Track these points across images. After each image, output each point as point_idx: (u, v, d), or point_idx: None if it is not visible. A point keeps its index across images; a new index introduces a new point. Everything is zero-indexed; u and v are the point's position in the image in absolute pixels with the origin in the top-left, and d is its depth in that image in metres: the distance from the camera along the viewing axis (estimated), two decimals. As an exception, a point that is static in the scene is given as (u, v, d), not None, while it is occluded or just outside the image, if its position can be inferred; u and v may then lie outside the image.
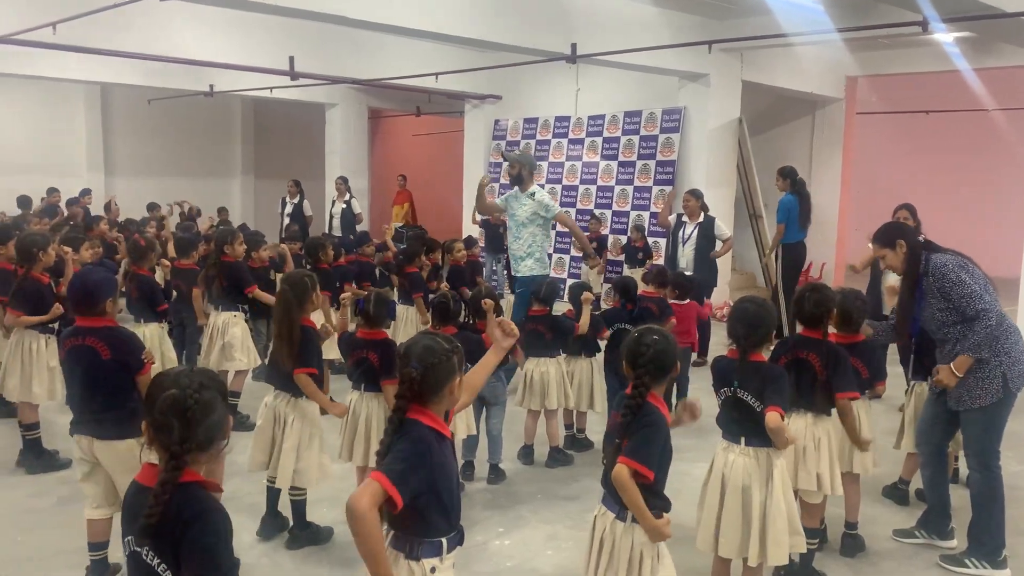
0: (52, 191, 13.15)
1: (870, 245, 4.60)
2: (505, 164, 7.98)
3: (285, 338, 4.22)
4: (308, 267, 7.16)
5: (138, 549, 2.13)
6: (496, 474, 5.32)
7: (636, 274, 8.80)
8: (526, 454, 5.74)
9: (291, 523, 4.47)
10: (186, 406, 2.11)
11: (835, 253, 13.36)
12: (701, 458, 5.45)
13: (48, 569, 4.14)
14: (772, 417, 3.32)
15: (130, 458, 3.68)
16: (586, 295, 5.59)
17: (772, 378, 3.44)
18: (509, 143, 13.98)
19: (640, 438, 2.91)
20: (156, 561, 2.11)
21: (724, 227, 8.97)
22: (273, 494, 4.50)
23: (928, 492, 4.59)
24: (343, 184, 13.18)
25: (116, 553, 4.10)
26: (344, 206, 12.98)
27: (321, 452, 4.38)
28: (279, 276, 7.19)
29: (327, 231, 12.81)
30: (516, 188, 7.40)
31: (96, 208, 13.65)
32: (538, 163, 7.89)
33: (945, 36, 10.46)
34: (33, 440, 5.48)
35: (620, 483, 2.87)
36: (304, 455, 4.29)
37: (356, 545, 2.31)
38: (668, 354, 2.94)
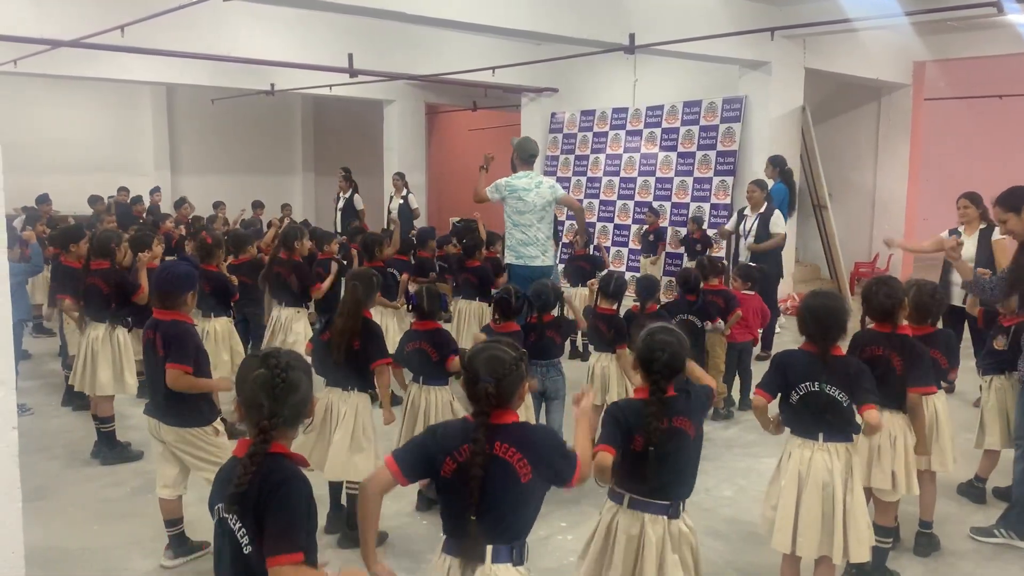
0: (122, 190, 13.53)
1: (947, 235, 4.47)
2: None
3: (349, 333, 4.24)
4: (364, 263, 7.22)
5: (226, 516, 2.27)
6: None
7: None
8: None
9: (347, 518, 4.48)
10: (274, 384, 2.27)
11: (903, 243, 12.99)
12: (766, 453, 5.38)
13: (123, 558, 4.25)
14: (872, 415, 3.27)
15: (194, 442, 4.00)
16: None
17: (860, 374, 3.36)
18: (567, 136, 13.94)
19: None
20: (238, 526, 2.24)
21: (780, 221, 8.61)
22: (335, 488, 4.54)
23: (1016, 487, 4.41)
24: (400, 180, 13.31)
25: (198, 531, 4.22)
26: (402, 201, 13.09)
27: (375, 444, 4.33)
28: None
29: (385, 226, 12.94)
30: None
31: (166, 206, 14.03)
32: (531, 152, 7.27)
33: (1019, 17, 10.06)
34: (108, 432, 5.64)
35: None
36: (358, 448, 4.25)
37: None
38: (681, 355, 2.92)
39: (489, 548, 2.42)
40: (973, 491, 4.97)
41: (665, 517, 2.94)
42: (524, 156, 7.20)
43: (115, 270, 5.76)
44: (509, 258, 7.08)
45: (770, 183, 9.46)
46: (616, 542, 2.96)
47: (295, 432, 2.39)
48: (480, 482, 2.37)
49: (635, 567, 2.93)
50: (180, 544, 4.17)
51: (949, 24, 10.94)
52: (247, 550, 2.22)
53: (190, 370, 3.92)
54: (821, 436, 3.37)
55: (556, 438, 2.64)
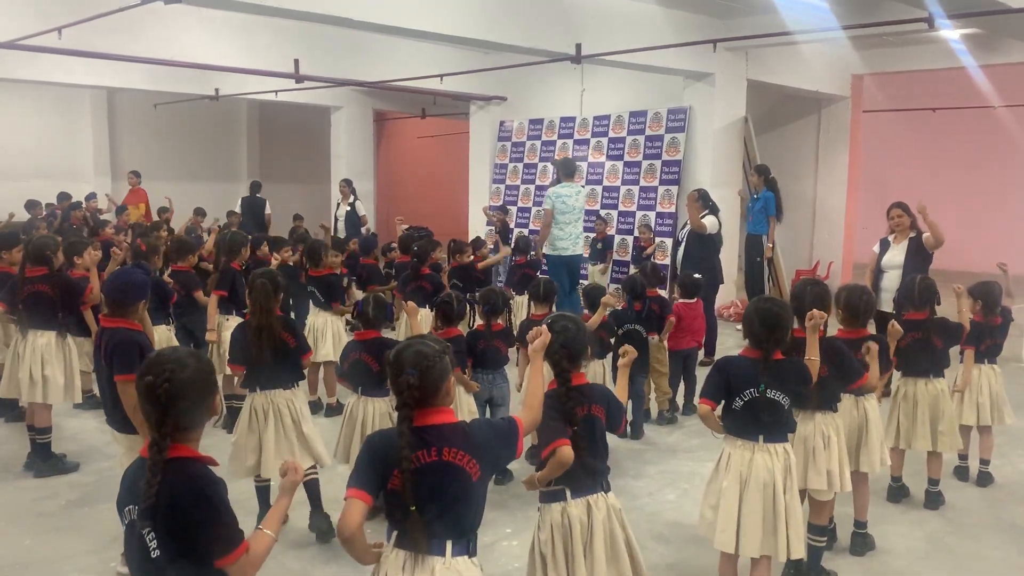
0: (64, 196, 13.17)
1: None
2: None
3: (270, 330, 4.32)
4: (308, 270, 7.15)
5: (135, 519, 2.24)
6: (503, 474, 5.30)
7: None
8: (533, 454, 5.71)
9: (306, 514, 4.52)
10: (157, 393, 2.20)
11: (842, 251, 13.32)
12: (709, 457, 5.44)
13: (57, 572, 4.14)
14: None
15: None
16: (606, 298, 5.68)
17: (798, 374, 3.50)
18: (515, 144, 14.01)
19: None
20: (148, 532, 2.20)
21: (713, 221, 8.63)
22: (263, 493, 4.53)
23: None
24: (347, 187, 13.22)
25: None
26: (349, 208, 13.01)
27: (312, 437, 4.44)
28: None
29: (332, 234, 12.85)
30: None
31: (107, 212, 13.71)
32: (573, 168, 9.49)
33: (951, 33, 10.42)
34: (43, 444, 5.47)
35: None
36: (293, 442, 4.36)
37: None
38: (578, 339, 3.08)
39: (449, 543, 2.45)
40: (894, 492, 5.10)
41: (603, 494, 3.12)
42: (568, 171, 9.24)
43: (56, 274, 5.53)
44: (547, 250, 8.97)
45: (751, 191, 9.74)
46: (573, 535, 3.04)
47: (199, 432, 2.33)
48: (416, 479, 2.39)
49: (586, 552, 3.03)
50: None
51: (885, 39, 11.27)
52: (154, 554, 2.20)
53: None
54: (761, 438, 3.45)
55: (495, 430, 2.63)
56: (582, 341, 3.10)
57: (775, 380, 3.41)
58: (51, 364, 5.38)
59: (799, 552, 3.47)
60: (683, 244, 8.71)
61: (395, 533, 2.49)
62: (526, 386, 2.89)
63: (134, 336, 3.92)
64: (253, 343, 4.31)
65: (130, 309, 3.95)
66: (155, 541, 2.19)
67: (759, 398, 3.41)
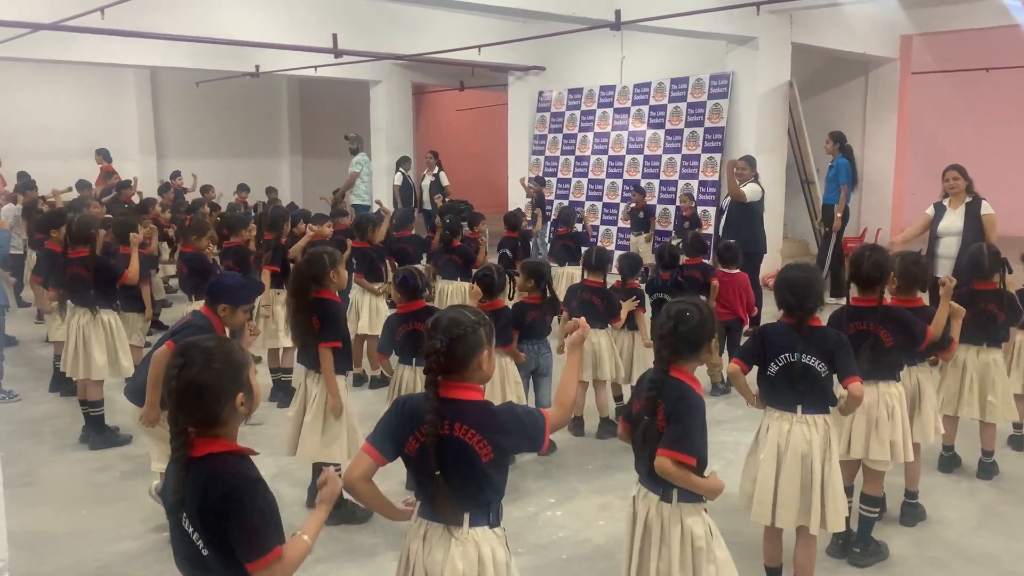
0: (110, 174, 13.39)
1: None
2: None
3: (299, 315, 4.24)
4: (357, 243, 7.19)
5: (177, 515, 2.16)
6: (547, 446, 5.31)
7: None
8: (576, 425, 5.72)
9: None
10: (169, 388, 2.11)
11: (890, 218, 13.02)
12: (752, 427, 5.39)
13: (111, 541, 4.24)
14: (856, 387, 3.30)
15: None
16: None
17: (840, 346, 3.34)
18: (554, 114, 13.91)
19: (680, 427, 2.73)
20: (191, 530, 2.13)
21: (755, 189, 8.40)
22: (317, 468, 4.53)
23: None
24: (433, 158, 13.36)
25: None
26: (433, 179, 13.20)
27: (351, 429, 4.31)
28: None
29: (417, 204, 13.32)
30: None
31: (150, 190, 13.92)
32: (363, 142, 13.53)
33: (1005, -12, 10.06)
34: (97, 416, 5.62)
35: (667, 474, 2.74)
36: (328, 431, 4.25)
37: None
38: (698, 330, 2.78)
39: (466, 515, 2.42)
40: (945, 462, 5.01)
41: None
42: (364, 145, 13.03)
43: (94, 256, 5.65)
44: (356, 201, 12.75)
45: (830, 158, 9.61)
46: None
47: (231, 426, 2.19)
48: (437, 447, 2.35)
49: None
50: None
51: (935, -3, 10.92)
52: (205, 552, 2.12)
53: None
54: (799, 408, 3.38)
55: (519, 419, 2.46)
56: (702, 334, 2.80)
57: (811, 346, 3.34)
58: (91, 342, 5.50)
59: (836, 525, 3.39)
60: (725, 213, 8.58)
61: (418, 503, 2.51)
62: (560, 382, 2.69)
63: (201, 322, 3.90)
64: (292, 321, 4.34)
65: (213, 306, 3.94)
66: (201, 541, 2.11)
67: (794, 363, 3.36)
